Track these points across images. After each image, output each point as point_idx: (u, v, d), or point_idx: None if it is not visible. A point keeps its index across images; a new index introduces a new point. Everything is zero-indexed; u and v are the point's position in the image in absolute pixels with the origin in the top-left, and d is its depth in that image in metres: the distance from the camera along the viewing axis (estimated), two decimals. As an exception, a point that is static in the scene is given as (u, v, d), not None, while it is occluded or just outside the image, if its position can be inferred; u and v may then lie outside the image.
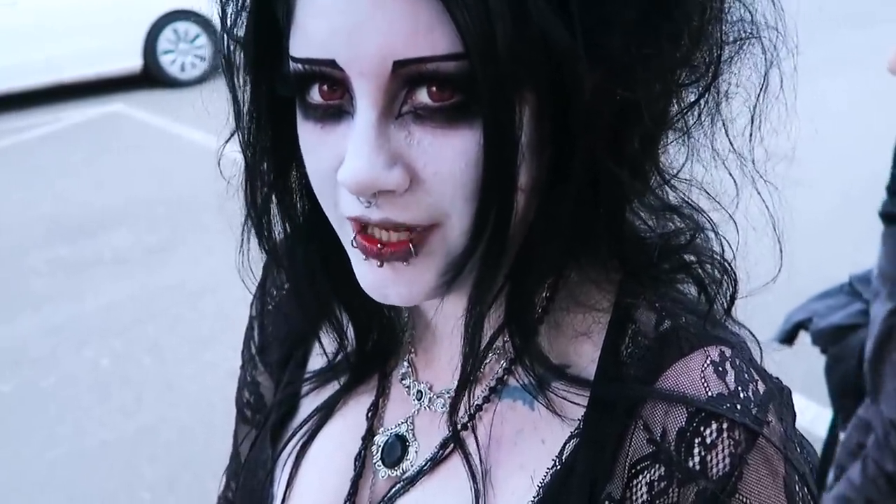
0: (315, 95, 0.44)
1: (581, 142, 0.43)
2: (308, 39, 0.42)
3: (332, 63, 0.42)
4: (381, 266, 0.45)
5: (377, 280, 0.46)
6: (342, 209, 0.45)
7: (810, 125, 0.51)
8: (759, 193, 0.49)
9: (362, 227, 0.44)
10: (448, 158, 0.42)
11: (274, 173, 0.52)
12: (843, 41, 5.80)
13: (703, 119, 0.48)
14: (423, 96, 0.41)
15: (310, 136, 0.45)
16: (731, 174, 0.49)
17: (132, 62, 6.92)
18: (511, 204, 0.43)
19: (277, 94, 0.47)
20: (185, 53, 7.05)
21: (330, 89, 0.43)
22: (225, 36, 0.50)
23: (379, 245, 0.44)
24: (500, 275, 0.46)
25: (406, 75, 0.41)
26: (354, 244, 0.45)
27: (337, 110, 0.44)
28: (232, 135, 0.52)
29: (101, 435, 2.72)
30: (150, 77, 6.99)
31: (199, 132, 5.34)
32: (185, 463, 2.54)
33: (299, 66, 0.43)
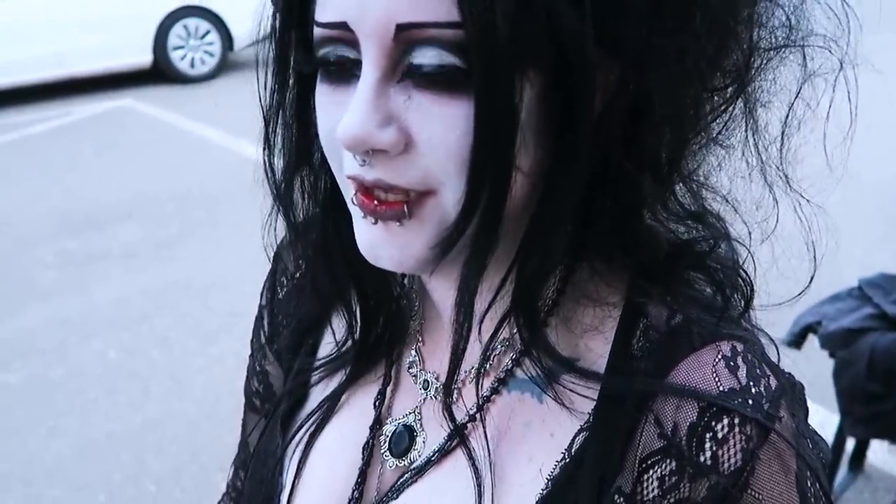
0: (331, 58, 0.46)
1: (586, 129, 0.43)
2: (327, 4, 0.44)
3: (344, 25, 0.43)
4: (375, 223, 0.45)
5: (372, 239, 0.46)
6: (344, 168, 0.46)
7: (832, 130, 0.50)
8: (797, 207, 0.48)
9: (362, 185, 0.45)
10: (442, 125, 0.42)
11: (298, 147, 0.52)
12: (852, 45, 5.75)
13: (732, 125, 0.47)
14: (424, 62, 0.42)
15: (323, 97, 0.47)
16: (768, 184, 0.47)
17: (142, 57, 6.96)
18: (506, 182, 0.43)
19: (303, 70, 0.48)
20: (194, 49, 7.08)
21: (342, 53, 0.45)
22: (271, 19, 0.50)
23: (375, 202, 0.45)
24: (504, 259, 0.46)
25: (408, 39, 0.42)
26: (354, 201, 0.46)
27: (348, 72, 0.45)
28: (271, 131, 0.52)
29: (108, 427, 2.73)
30: (160, 72, 7.03)
31: (209, 128, 5.36)
32: (192, 456, 2.55)
33: (319, 30, 0.45)
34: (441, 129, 0.42)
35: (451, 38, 0.41)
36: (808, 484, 0.44)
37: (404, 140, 0.43)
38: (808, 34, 0.46)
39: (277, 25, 0.49)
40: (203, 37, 7.10)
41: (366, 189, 0.45)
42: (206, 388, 2.87)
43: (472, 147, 0.42)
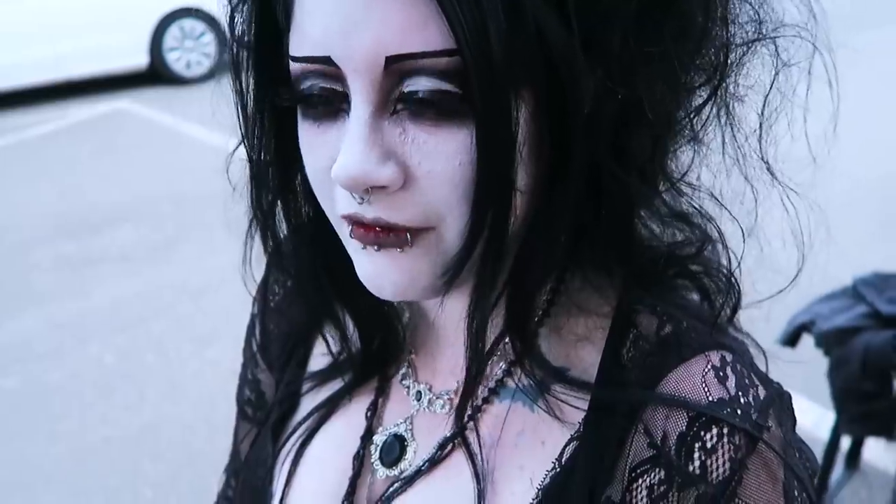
0: (315, 91, 0.44)
1: (580, 142, 0.43)
2: (305, 38, 0.43)
3: (327, 60, 0.42)
4: (377, 250, 0.45)
5: (374, 269, 0.46)
6: (338, 207, 0.45)
7: (821, 126, 0.51)
8: (785, 199, 0.48)
9: (360, 223, 0.45)
10: (442, 156, 0.42)
11: (279, 177, 0.52)
12: (847, 43, 5.76)
13: (710, 122, 0.47)
14: (418, 92, 0.41)
15: (308, 135, 0.46)
16: (746, 179, 0.48)
17: (138, 59, 6.94)
18: (508, 205, 0.43)
19: (282, 103, 0.47)
20: (190, 51, 7.07)
21: (327, 88, 0.44)
22: (233, 42, 0.50)
23: (377, 228, 0.44)
24: (501, 277, 0.46)
25: (399, 71, 0.41)
26: (352, 235, 0.45)
27: (334, 109, 0.44)
28: (241, 142, 0.52)
29: (104, 431, 2.73)
30: (156, 74, 7.01)
31: (205, 130, 5.34)
32: (188, 460, 2.55)
33: (298, 65, 0.44)
34: (440, 161, 0.42)
35: (444, 67, 0.40)
36: (796, 493, 0.44)
37: (403, 175, 0.42)
38: (778, 25, 0.47)
39: (248, 60, 0.48)
40: (198, 38, 7.08)
41: (364, 224, 0.44)
42: (201, 392, 2.86)
43: (477, 174, 0.42)
